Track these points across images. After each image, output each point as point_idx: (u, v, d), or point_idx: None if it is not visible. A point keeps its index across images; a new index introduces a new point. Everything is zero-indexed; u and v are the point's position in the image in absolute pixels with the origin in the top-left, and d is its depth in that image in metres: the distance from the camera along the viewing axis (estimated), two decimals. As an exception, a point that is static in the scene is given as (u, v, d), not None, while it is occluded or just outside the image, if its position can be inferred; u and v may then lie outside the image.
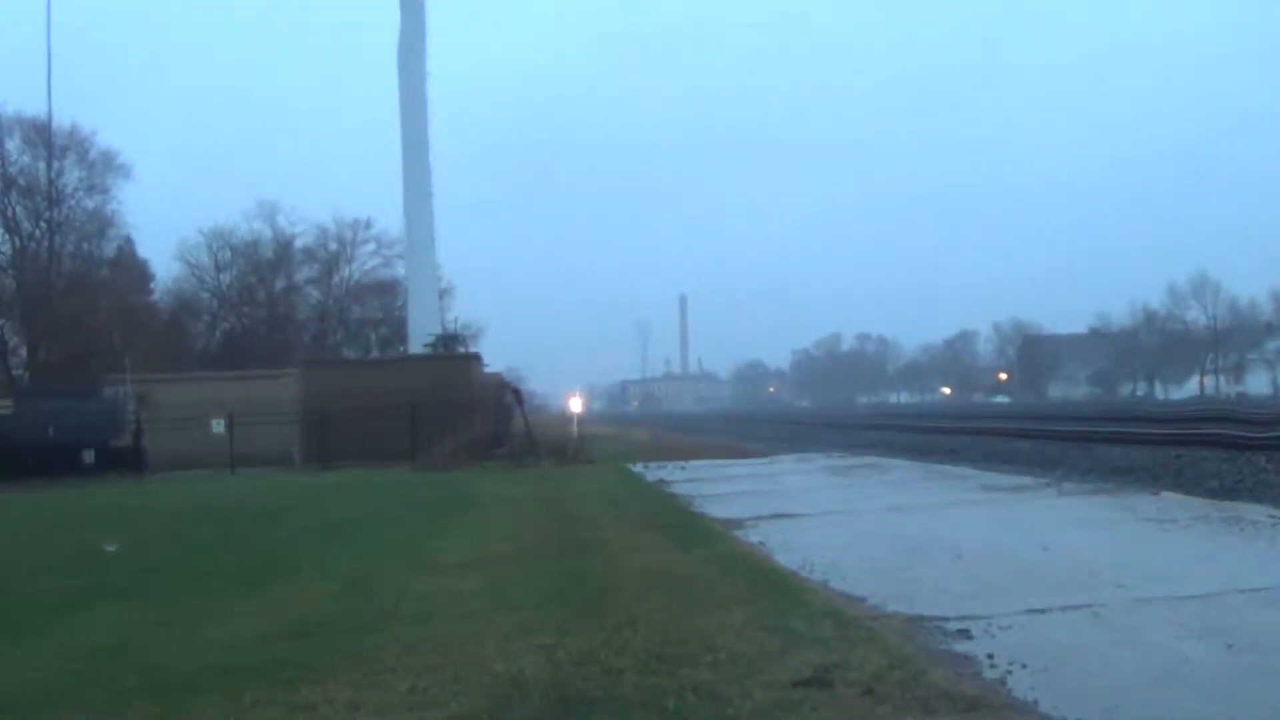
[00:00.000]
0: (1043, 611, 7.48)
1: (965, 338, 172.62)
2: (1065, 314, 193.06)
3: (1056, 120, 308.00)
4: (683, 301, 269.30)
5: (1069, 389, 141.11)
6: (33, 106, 58.95)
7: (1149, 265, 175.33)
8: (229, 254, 72.76)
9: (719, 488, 19.82)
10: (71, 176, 60.42)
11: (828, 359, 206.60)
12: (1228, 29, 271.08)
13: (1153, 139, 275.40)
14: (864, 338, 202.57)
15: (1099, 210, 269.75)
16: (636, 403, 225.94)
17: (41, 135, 57.72)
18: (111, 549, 14.39)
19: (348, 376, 44.22)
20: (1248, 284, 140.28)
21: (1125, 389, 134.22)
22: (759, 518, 14.25)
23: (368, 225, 75.07)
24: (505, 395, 40.40)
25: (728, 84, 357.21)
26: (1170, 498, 14.37)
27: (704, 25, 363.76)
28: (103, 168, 61.25)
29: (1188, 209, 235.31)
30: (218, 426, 36.26)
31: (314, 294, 76.45)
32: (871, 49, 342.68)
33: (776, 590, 8.70)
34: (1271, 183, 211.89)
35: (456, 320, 68.30)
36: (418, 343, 54.66)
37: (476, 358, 48.61)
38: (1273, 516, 11.62)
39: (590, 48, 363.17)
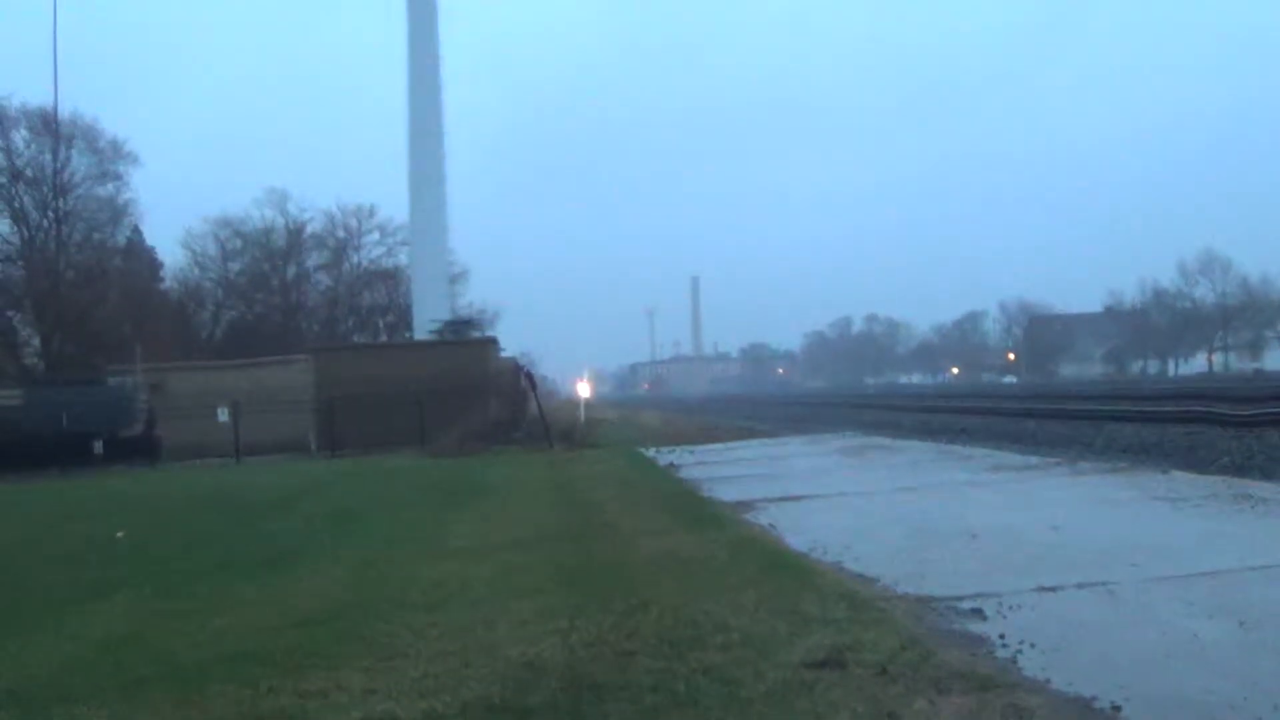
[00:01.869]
0: (1054, 590, 7.47)
1: (973, 318, 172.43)
2: (1079, 292, 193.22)
3: (1065, 100, 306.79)
4: (694, 283, 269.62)
5: (1083, 368, 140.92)
6: (40, 98, 58.99)
7: (1162, 243, 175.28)
8: (239, 242, 72.72)
9: (729, 470, 19.82)
10: (80, 165, 60.36)
11: (840, 341, 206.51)
12: (1239, 7, 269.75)
13: (1165, 116, 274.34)
14: (873, 319, 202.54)
15: (1111, 188, 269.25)
16: (646, 385, 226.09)
17: (48, 126, 57.66)
18: (120, 534, 14.50)
19: (363, 362, 44.18)
20: (1261, 261, 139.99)
21: (1137, 367, 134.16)
22: (769, 500, 14.24)
23: (371, 213, 74.98)
24: (520, 379, 40.37)
25: (738, 69, 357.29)
26: (1181, 476, 14.33)
27: (716, 10, 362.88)
28: (112, 156, 61.20)
29: (1201, 186, 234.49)
30: (223, 415, 36.22)
31: (324, 280, 76.41)
32: (880, 31, 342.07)
33: (787, 572, 8.68)
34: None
35: (471, 305, 68.29)
36: (423, 329, 54.55)
37: (494, 342, 48.56)
38: (1284, 493, 11.59)
39: (603, 34, 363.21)
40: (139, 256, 66.47)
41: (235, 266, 73.07)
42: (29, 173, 59.07)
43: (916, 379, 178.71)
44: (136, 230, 66.21)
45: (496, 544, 11.73)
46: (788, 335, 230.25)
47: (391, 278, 74.70)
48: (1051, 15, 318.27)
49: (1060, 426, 28.87)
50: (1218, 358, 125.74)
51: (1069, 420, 30.39)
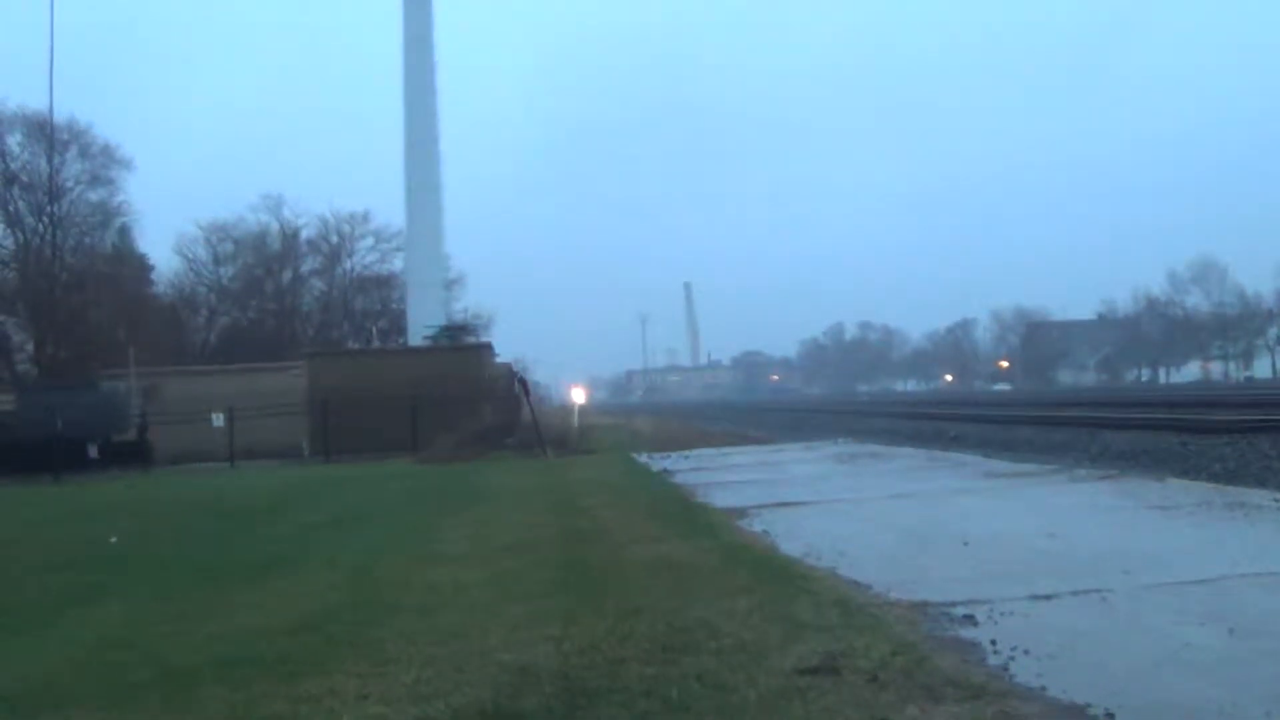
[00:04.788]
0: (1048, 598, 7.48)
1: (964, 326, 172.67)
2: (1072, 300, 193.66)
3: (1059, 109, 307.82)
4: (688, 290, 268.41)
5: (1078, 375, 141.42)
6: (36, 103, 59.02)
7: (1158, 251, 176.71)
8: (231, 247, 72.69)
9: (723, 476, 19.82)
10: (74, 169, 60.41)
11: (835, 348, 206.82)
12: (1233, 19, 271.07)
13: (1162, 126, 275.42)
14: (867, 326, 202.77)
15: (1105, 196, 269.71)
16: (640, 392, 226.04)
17: (43, 130, 57.65)
18: (114, 539, 14.51)
19: (357, 368, 44.22)
20: (1256, 270, 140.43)
21: (1130, 375, 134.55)
22: (763, 506, 14.24)
23: (365, 218, 74.97)
24: (514, 385, 40.36)
25: (732, 77, 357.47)
26: (1175, 483, 14.34)
27: (711, 18, 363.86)
28: (105, 161, 61.27)
29: (1196, 197, 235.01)
30: (217, 420, 36.20)
31: (319, 285, 76.43)
32: (869, 37, 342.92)
33: (781, 578, 8.68)
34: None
35: (467, 310, 68.30)
36: (417, 335, 54.53)
37: (488, 347, 48.50)
38: (1276, 500, 11.61)
39: (599, 43, 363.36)
40: (132, 261, 66.44)
41: (228, 272, 73.04)
42: (24, 177, 59.15)
43: (911, 386, 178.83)
44: (130, 235, 66.29)
45: (490, 550, 11.72)
46: (784, 342, 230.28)
47: (386, 283, 74.74)
48: (1045, 24, 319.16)
49: (1053, 433, 28.88)
50: (1217, 365, 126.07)
51: (1062, 427, 30.39)
